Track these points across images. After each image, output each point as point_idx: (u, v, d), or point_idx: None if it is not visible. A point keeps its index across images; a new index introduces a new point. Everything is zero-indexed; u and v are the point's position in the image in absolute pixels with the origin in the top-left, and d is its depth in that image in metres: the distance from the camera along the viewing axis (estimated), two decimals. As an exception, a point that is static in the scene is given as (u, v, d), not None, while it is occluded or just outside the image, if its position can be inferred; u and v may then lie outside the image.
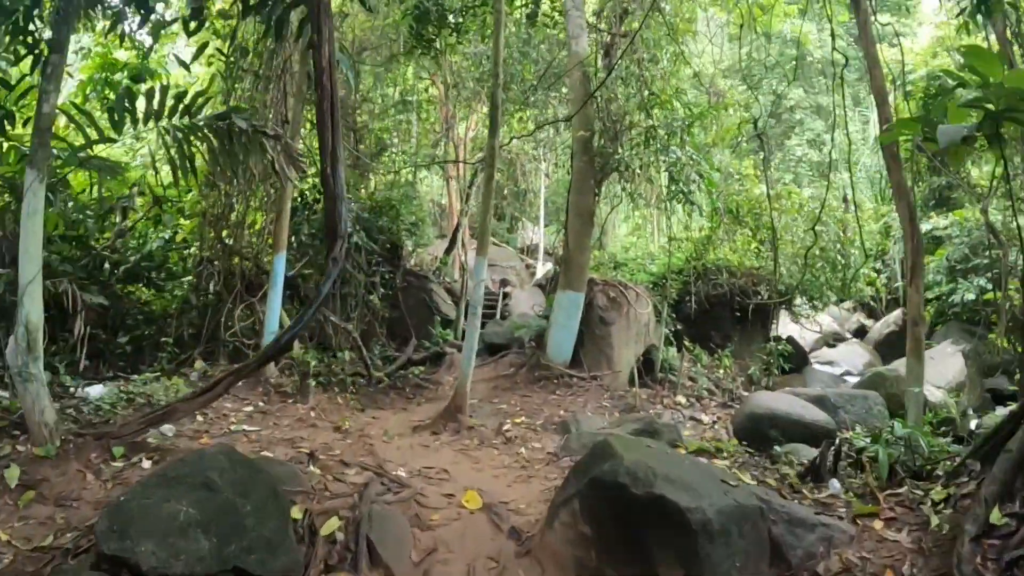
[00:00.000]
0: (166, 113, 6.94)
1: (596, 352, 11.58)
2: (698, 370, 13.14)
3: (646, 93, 12.17)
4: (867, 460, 5.40)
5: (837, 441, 5.91)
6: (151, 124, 6.99)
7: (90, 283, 9.23)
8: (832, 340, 22.35)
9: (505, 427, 9.07)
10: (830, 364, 19.98)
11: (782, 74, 26.78)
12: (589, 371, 11.42)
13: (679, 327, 13.39)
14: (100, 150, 7.85)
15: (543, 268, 21.94)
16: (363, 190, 16.50)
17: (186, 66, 7.73)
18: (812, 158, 34.26)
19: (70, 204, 9.36)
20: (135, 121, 7.00)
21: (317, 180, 9.43)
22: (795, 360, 16.93)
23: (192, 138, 7.04)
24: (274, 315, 8.19)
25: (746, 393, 13.06)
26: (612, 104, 12.19)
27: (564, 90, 16.39)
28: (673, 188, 11.82)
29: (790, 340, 16.97)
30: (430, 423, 8.53)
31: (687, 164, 11.92)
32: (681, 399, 11.47)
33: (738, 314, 15.70)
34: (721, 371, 13.58)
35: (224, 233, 9.21)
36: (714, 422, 10.78)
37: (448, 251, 17.11)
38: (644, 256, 18.30)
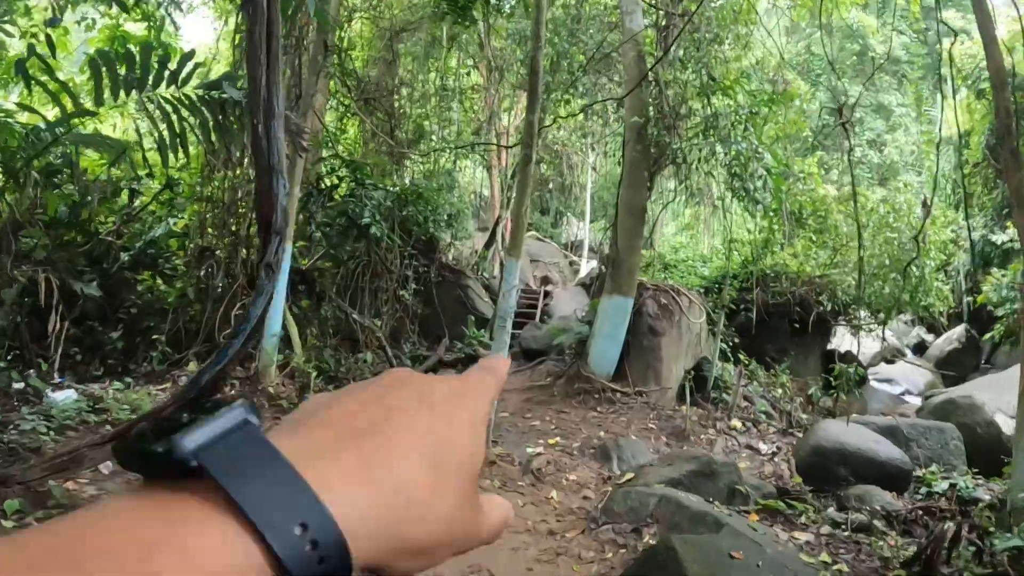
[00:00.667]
0: (150, 82, 5.83)
1: (643, 365, 10.23)
2: (754, 388, 11.67)
3: (705, 77, 10.71)
4: (1006, 556, 3.98)
5: (952, 526, 4.48)
6: (135, 95, 5.89)
7: (91, 272, 8.27)
8: (890, 355, 20.51)
9: (536, 454, 7.82)
10: (888, 382, 18.23)
11: (842, 69, 24.86)
12: (634, 386, 10.08)
13: (736, 340, 11.92)
14: (91, 125, 6.79)
15: (587, 266, 20.56)
16: (396, 177, 15.41)
17: (177, 26, 6.64)
18: (872, 160, 32.10)
19: (73, 187, 8.39)
20: (116, 92, 5.91)
21: (335, 163, 8.33)
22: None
23: (183, 110, 5.92)
24: (276, 315, 7.11)
25: (805, 416, 11.57)
26: (669, 88, 10.78)
27: (616, 77, 15.00)
28: (736, 184, 10.36)
29: (849, 356, 15.34)
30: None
31: (752, 158, 10.44)
32: (736, 423, 10.05)
33: (796, 326, 14.14)
34: (779, 390, 12.07)
35: (228, 220, 8.14)
36: (773, 453, 9.37)
37: (487, 245, 15.90)
38: (695, 257, 16.80)
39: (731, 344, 11.76)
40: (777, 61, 17.53)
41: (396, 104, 14.96)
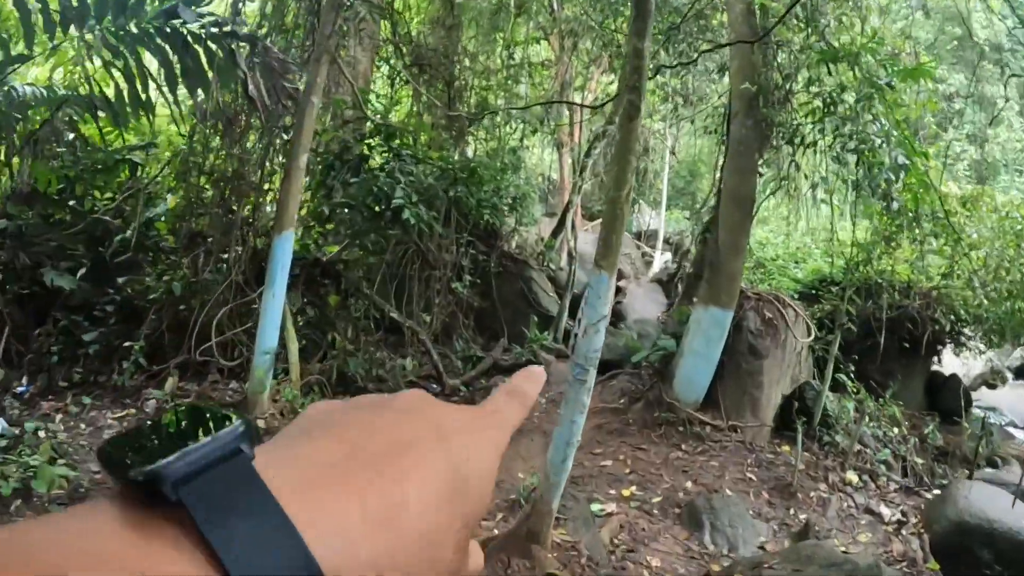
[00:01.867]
0: (91, 13, 4.00)
1: (738, 392, 8.06)
2: (850, 418, 9.30)
3: (823, 43, 8.35)
4: None
5: None
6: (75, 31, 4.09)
7: (81, 256, 6.66)
8: (992, 379, 17.51)
9: (607, 514, 5.84)
10: (992, 410, 15.40)
11: (941, 55, 21.63)
12: (727, 418, 7.93)
13: (849, 364, 9.54)
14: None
15: (661, 259, 18.27)
16: (455, 153, 13.46)
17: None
18: (972, 155, 28.51)
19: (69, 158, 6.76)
20: (51, 30, 4.12)
21: (367, 126, 6.36)
22: (952, 401, 12.64)
23: (139, 49, 4.09)
24: (270, 323, 5.24)
25: (920, 461, 9.13)
26: (780, 53, 8.47)
27: (709, 41, 12.62)
28: (864, 176, 8.01)
29: (955, 381, 12.69)
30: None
31: (886, 143, 8.05)
32: (852, 476, 7.80)
33: (906, 345, 11.58)
34: (894, 428, 9.62)
35: (229, 198, 6.29)
36: (900, 522, 7.14)
37: (556, 232, 13.86)
38: (784, 256, 14.30)
39: (844, 368, 9.40)
40: (897, 31, 14.75)
41: (457, 72, 12.98)
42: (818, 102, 8.31)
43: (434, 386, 9.74)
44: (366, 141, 6.01)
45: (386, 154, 6.14)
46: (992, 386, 15.93)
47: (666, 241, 19.85)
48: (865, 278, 11.30)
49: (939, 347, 12.14)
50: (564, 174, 16.36)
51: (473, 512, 0.38)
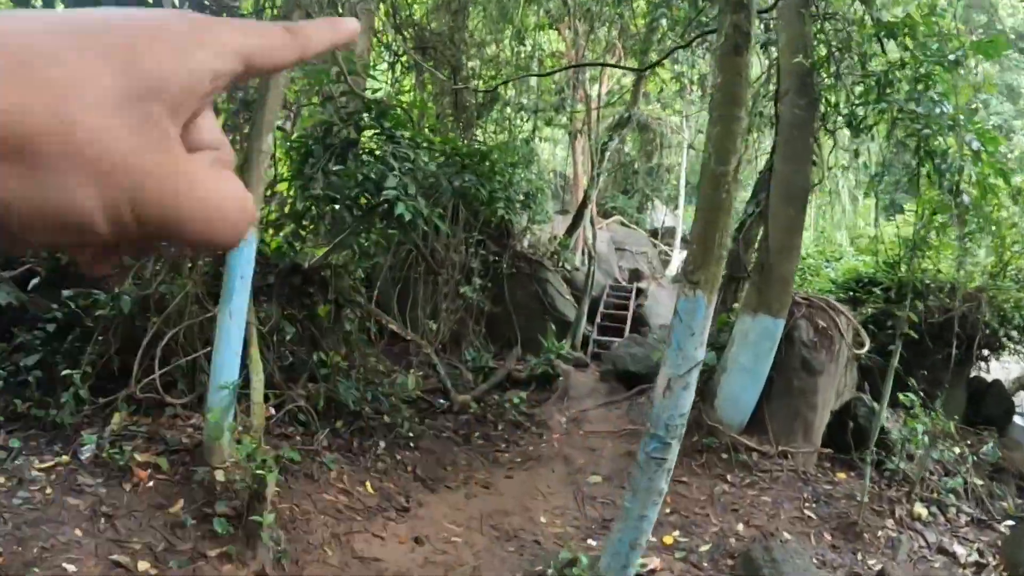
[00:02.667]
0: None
1: (788, 413, 6.89)
2: (921, 442, 8.09)
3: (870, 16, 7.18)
4: None
5: None
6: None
7: (35, 264, 5.57)
8: None
9: (648, 571, 4.70)
10: None
11: (964, 41, 20.30)
12: (776, 443, 6.77)
13: (911, 380, 8.31)
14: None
15: (679, 257, 17.07)
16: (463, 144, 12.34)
17: None
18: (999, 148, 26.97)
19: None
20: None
21: (352, 101, 5.16)
22: (995, 409, 11.41)
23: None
24: (227, 349, 4.07)
25: (980, 482, 7.92)
26: (827, 25, 7.31)
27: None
28: (937, 161, 6.83)
29: (998, 387, 11.47)
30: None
31: (957, 125, 6.87)
32: (920, 508, 6.63)
33: (956, 351, 10.35)
34: (955, 449, 8.40)
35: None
36: (979, 565, 5.98)
37: (570, 231, 12.72)
38: (816, 254, 13.08)
39: (906, 382, 8.18)
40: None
41: (464, 60, 11.85)
42: (871, 81, 7.14)
43: (442, 401, 8.63)
44: (354, 119, 4.87)
45: (379, 137, 5.00)
46: None
47: (683, 239, 18.65)
48: (910, 278, 10.11)
49: (988, 352, 10.92)
50: (578, 169, 15.20)
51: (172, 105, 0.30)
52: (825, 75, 7.03)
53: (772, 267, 6.49)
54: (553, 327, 9.85)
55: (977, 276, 10.55)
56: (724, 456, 6.61)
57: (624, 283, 12.96)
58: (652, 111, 19.84)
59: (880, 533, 6.15)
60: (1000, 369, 12.47)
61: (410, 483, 5.70)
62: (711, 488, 6.20)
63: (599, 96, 12.66)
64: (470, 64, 11.91)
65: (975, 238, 9.93)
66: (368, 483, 5.20)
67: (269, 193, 5.57)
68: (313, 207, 5.10)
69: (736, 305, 8.77)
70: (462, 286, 10.82)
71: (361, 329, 7.00)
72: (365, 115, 4.97)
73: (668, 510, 5.80)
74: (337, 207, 4.99)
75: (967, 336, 9.93)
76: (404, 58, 9.48)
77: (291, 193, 4.82)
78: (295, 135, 5.38)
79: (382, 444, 6.17)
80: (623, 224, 18.06)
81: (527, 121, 12.33)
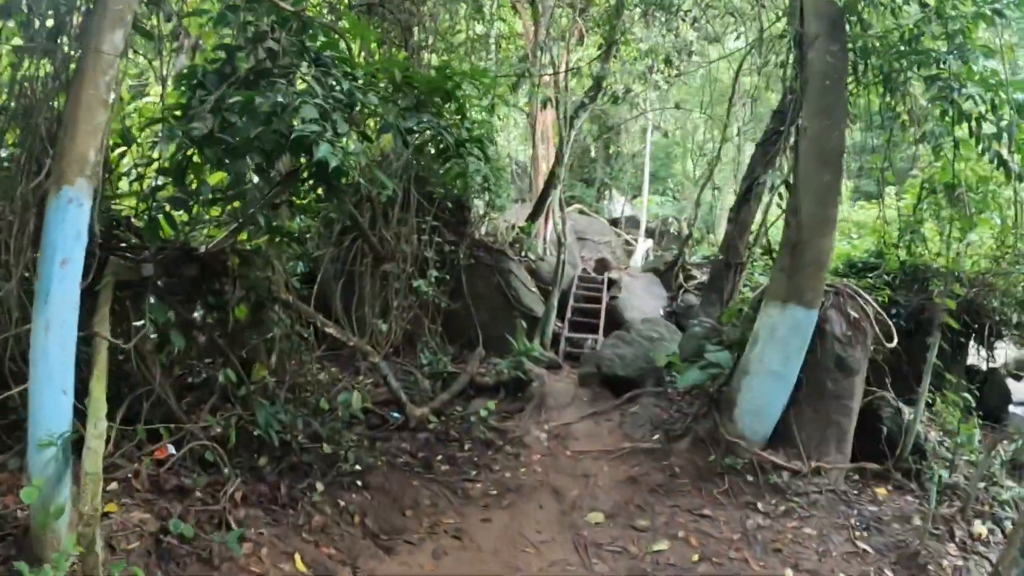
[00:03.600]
0: None
1: (820, 421, 5.58)
2: (975, 449, 6.92)
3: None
4: None
5: None
6: None
7: None
8: (1017, 369, 15.59)
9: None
10: (1022, 406, 13.42)
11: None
12: (808, 457, 5.46)
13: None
14: None
15: (643, 247, 15.84)
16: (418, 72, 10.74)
17: None
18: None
19: None
20: None
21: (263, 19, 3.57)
22: (992, 398, 10.58)
23: None
24: (46, 380, 2.44)
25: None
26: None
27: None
28: (980, 125, 5.65)
29: (996, 375, 10.63)
30: None
31: (1000, 87, 5.71)
32: (979, 527, 5.43)
33: (962, 340, 9.36)
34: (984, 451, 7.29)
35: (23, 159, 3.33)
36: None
37: (533, 216, 11.28)
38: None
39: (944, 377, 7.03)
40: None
41: (416, 31, 10.25)
42: (903, 31, 5.93)
43: (396, 415, 7.07)
44: (267, 37, 3.28)
45: (300, 60, 3.40)
46: (1018, 377, 13.99)
47: (651, 232, 17.48)
48: (913, 264, 9.03)
49: (993, 340, 9.97)
50: (537, 151, 13.76)
51: None
52: (852, 22, 5.76)
53: (804, 246, 5.16)
54: (524, 324, 8.38)
55: (980, 260, 9.50)
56: (750, 479, 5.27)
57: (592, 274, 11.61)
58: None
59: (945, 562, 4.91)
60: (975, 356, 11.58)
61: (357, 542, 4.12)
62: (742, 522, 4.83)
63: (567, 65, 11.15)
64: (423, 32, 10.30)
65: (982, 221, 8.87)
66: (298, 555, 3.61)
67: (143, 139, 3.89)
68: (197, 158, 3.44)
69: (742, 295, 7.50)
70: (415, 280, 9.24)
71: (290, 335, 5.36)
72: (283, 33, 3.38)
73: (696, 556, 4.41)
74: (233, 160, 3.36)
75: (977, 324, 8.95)
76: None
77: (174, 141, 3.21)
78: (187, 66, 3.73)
79: (319, 487, 4.57)
80: (583, 212, 16.72)
81: (487, 93, 10.79)
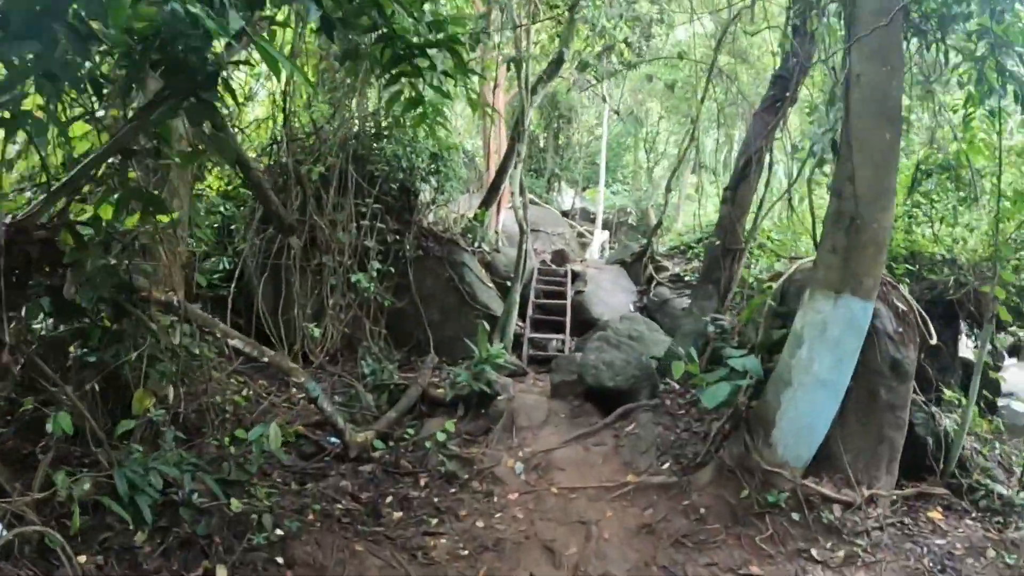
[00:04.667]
0: None
1: (869, 438, 4.36)
2: (987, 451, 5.90)
3: None
4: None
5: None
6: None
7: None
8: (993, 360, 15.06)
9: None
10: (1010, 396, 12.83)
11: None
12: (858, 482, 4.24)
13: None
14: None
15: (599, 238, 14.63)
16: (353, 103, 9.13)
17: None
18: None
19: None
20: None
21: None
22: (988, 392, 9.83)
23: None
24: None
25: None
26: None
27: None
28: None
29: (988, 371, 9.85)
30: None
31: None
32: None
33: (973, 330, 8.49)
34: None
35: None
36: None
37: (486, 203, 9.85)
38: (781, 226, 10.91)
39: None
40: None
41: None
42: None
43: (334, 440, 5.56)
44: None
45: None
46: (996, 368, 13.38)
47: (591, 218, 16.26)
48: (911, 248, 8.05)
49: (999, 331, 9.14)
50: (488, 135, 12.33)
51: None
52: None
53: (862, 222, 3.91)
54: (486, 325, 6.93)
55: (982, 245, 8.55)
56: (796, 517, 3.99)
57: (552, 266, 10.27)
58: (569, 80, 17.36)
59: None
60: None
61: None
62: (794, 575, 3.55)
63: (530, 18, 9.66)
64: None
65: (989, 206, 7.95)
66: None
67: None
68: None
69: (750, 284, 6.27)
70: (354, 274, 7.67)
71: (174, 349, 3.76)
72: None
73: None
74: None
75: (981, 313, 8.03)
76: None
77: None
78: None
79: (221, 573, 3.03)
80: (534, 203, 15.37)
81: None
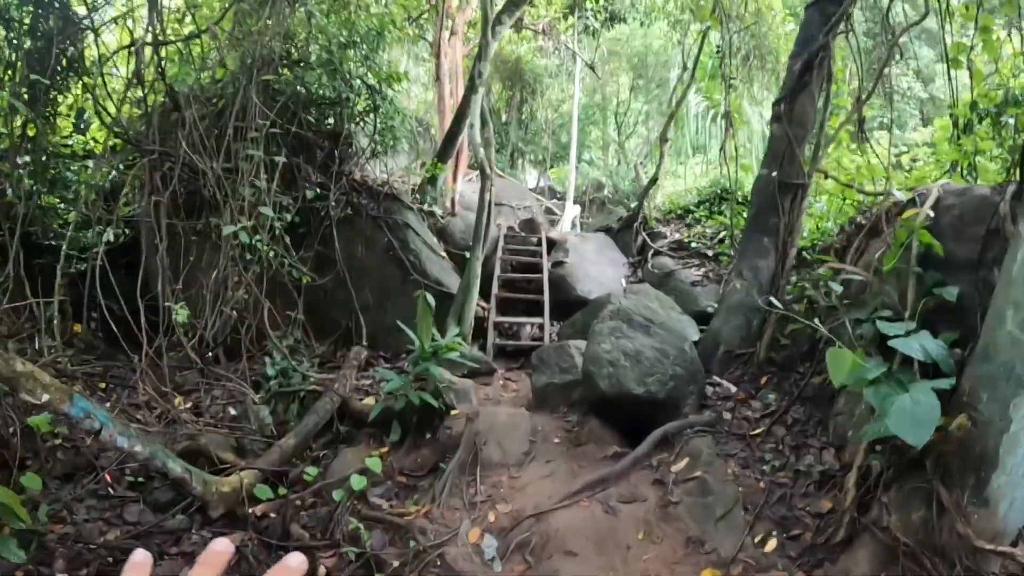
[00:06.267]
0: None
1: None
2: None
3: None
4: None
5: None
6: None
7: None
8: None
9: None
10: None
11: None
12: None
13: None
14: None
15: (570, 214, 12.29)
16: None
17: None
18: (918, 94, 23.94)
19: None
20: None
21: None
22: None
23: None
24: None
25: None
26: None
27: None
28: None
29: None
30: None
31: None
32: None
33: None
34: None
35: None
36: None
37: (442, 156, 7.36)
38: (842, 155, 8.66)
39: None
40: None
41: None
42: None
43: (197, 488, 3.13)
44: None
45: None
46: None
47: (557, 197, 13.94)
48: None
49: None
50: (443, 91, 9.86)
51: None
52: None
53: None
54: (430, 300, 4.45)
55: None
56: None
57: (523, 233, 7.91)
58: (519, 53, 15.08)
59: None
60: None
61: None
62: None
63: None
64: None
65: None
66: None
67: None
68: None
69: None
70: (245, 237, 5.16)
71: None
72: None
73: None
74: None
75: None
76: None
77: None
78: None
79: None
80: (499, 175, 12.96)
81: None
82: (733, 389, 3.43)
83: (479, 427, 3.43)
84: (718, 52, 7.41)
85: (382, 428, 3.93)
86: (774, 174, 4.07)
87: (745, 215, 6.47)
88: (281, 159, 5.43)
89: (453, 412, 3.72)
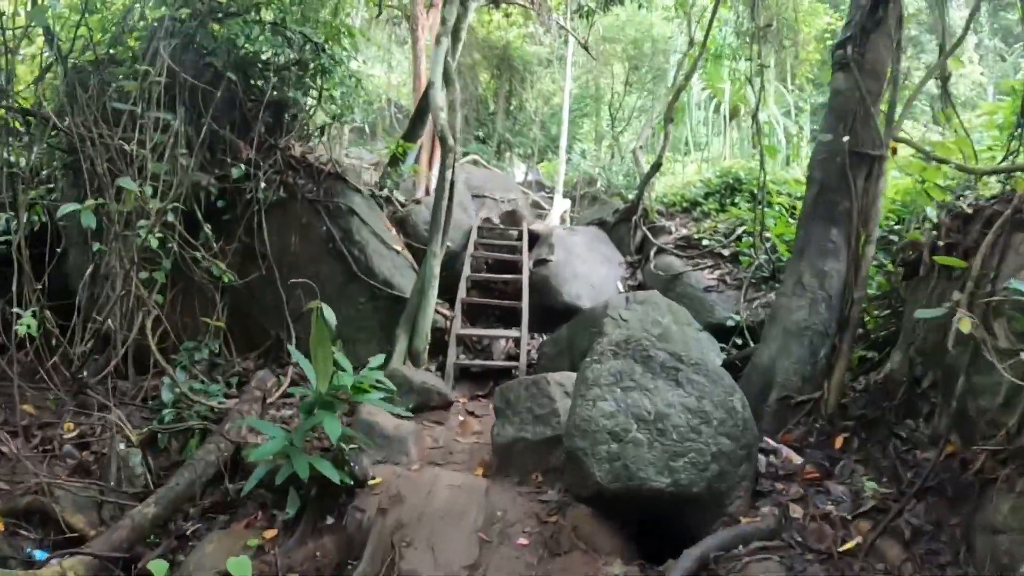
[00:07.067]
0: None
1: None
2: None
3: None
4: None
5: None
6: None
7: None
8: None
9: None
10: None
11: None
12: None
13: None
14: None
15: (560, 207, 11.00)
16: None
17: None
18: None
19: None
20: None
21: None
22: None
23: None
24: None
25: None
26: None
27: None
28: None
29: None
30: None
31: None
32: None
33: None
34: None
35: None
36: None
37: (409, 135, 6.03)
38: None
39: None
40: None
41: None
42: None
43: (39, 555, 1.81)
44: None
45: None
46: None
47: (546, 191, 12.68)
48: None
49: None
50: (420, 66, 8.52)
51: None
52: None
53: None
54: (327, 312, 3.03)
55: None
56: None
57: (501, 226, 6.59)
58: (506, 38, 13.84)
59: None
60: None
61: None
62: None
63: None
64: None
65: None
66: None
67: None
68: None
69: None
70: (142, 230, 3.79)
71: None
72: None
73: None
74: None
75: None
76: None
77: None
78: None
79: None
80: (478, 164, 11.65)
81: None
82: (798, 460, 2.17)
83: (402, 516, 2.13)
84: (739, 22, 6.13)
85: (278, 494, 2.63)
86: (845, 139, 2.78)
87: (766, 209, 5.24)
88: (175, 124, 4.08)
89: (371, 481, 2.42)
